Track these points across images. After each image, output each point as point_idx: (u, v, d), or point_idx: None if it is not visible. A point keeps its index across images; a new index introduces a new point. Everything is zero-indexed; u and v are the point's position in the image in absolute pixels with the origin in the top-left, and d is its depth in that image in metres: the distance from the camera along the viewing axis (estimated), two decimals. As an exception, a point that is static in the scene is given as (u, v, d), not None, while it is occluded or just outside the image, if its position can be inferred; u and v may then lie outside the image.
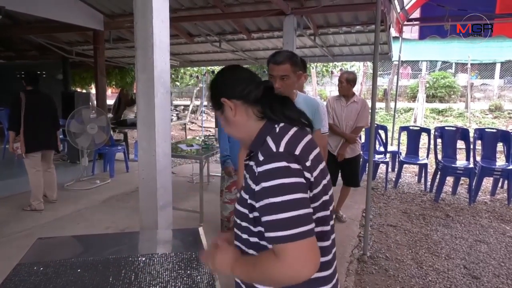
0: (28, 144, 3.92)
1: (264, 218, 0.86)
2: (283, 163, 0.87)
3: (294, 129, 0.97)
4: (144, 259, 1.44)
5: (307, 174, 0.90)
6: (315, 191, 0.92)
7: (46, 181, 4.28)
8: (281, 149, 0.90)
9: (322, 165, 1.00)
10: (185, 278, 1.29)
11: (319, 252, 0.85)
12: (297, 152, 0.91)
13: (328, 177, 1.02)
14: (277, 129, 0.97)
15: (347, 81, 3.64)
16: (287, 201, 0.83)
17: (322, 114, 2.25)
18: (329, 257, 0.99)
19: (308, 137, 0.99)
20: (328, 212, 0.97)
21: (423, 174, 5.27)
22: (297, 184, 0.86)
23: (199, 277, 1.31)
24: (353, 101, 3.68)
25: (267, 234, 0.85)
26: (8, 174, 5.01)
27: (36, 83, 4.13)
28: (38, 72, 4.60)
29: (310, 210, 0.86)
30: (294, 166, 0.88)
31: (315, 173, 0.93)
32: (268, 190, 0.86)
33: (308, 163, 0.91)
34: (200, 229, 1.75)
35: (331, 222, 1.00)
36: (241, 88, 1.02)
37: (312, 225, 0.85)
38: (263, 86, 1.02)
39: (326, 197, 0.97)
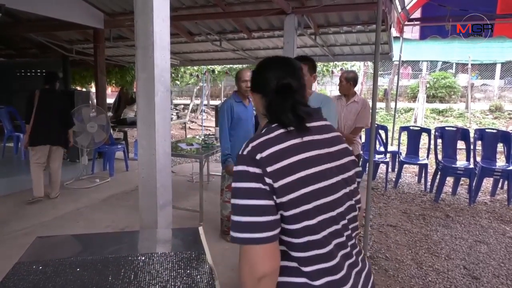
0: (33, 138, 4.15)
1: None
2: (243, 167, 0.88)
3: (278, 132, 0.93)
4: (143, 258, 1.44)
5: (268, 180, 0.86)
6: (284, 198, 0.86)
7: (49, 179, 4.40)
8: (245, 152, 0.90)
9: (310, 171, 0.91)
10: (184, 278, 1.29)
11: (276, 259, 0.85)
12: (259, 156, 0.87)
13: (318, 186, 0.92)
14: (264, 130, 0.97)
15: (346, 80, 3.63)
16: (241, 205, 0.86)
17: (334, 112, 2.34)
18: (321, 265, 0.90)
19: (293, 141, 0.93)
20: (313, 221, 0.89)
21: (423, 174, 5.27)
22: (253, 190, 0.86)
23: (198, 276, 1.30)
24: (353, 101, 3.67)
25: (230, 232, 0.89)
26: (8, 172, 5.00)
27: (52, 82, 4.38)
28: (51, 71, 4.70)
29: (268, 217, 0.85)
30: (253, 170, 0.87)
31: (284, 181, 0.86)
32: (232, 190, 0.90)
33: (270, 169, 0.86)
34: (200, 228, 1.74)
35: (323, 233, 0.90)
36: (261, 82, 1.03)
37: (269, 233, 0.84)
38: (276, 82, 1.00)
39: (307, 206, 0.88)
